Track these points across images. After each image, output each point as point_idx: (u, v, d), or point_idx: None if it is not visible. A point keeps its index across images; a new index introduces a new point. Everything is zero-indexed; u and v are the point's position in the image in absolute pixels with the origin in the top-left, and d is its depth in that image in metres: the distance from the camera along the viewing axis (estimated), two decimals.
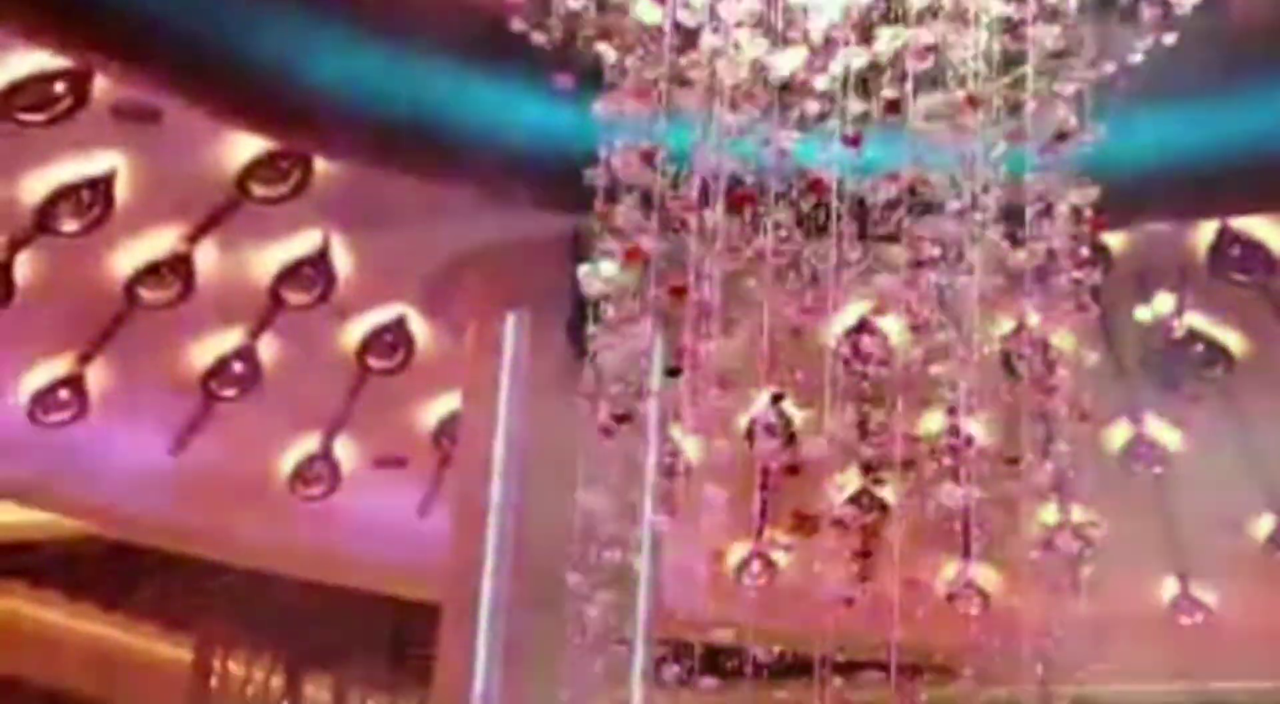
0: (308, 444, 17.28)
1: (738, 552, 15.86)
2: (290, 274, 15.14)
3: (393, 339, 15.99)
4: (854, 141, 7.97)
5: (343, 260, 15.08)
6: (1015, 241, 8.54)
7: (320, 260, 15.07)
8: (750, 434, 9.05)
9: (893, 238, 8.65)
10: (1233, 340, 15.32)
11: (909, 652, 8.72)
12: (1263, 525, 17.10)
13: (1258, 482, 16.63)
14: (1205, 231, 14.40)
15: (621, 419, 8.73)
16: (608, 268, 8.86)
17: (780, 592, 9.17)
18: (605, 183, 8.42)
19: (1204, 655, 17.22)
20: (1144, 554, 16.78)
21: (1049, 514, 8.93)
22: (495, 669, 12.98)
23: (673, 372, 8.74)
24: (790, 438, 9.41)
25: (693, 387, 8.74)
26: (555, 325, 12.97)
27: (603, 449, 8.84)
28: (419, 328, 15.84)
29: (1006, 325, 9.21)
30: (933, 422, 9.84)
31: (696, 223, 8.53)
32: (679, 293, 8.60)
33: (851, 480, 11.19)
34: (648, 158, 8.05)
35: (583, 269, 8.84)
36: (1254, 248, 14.38)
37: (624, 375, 8.86)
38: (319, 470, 17.43)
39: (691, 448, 9.49)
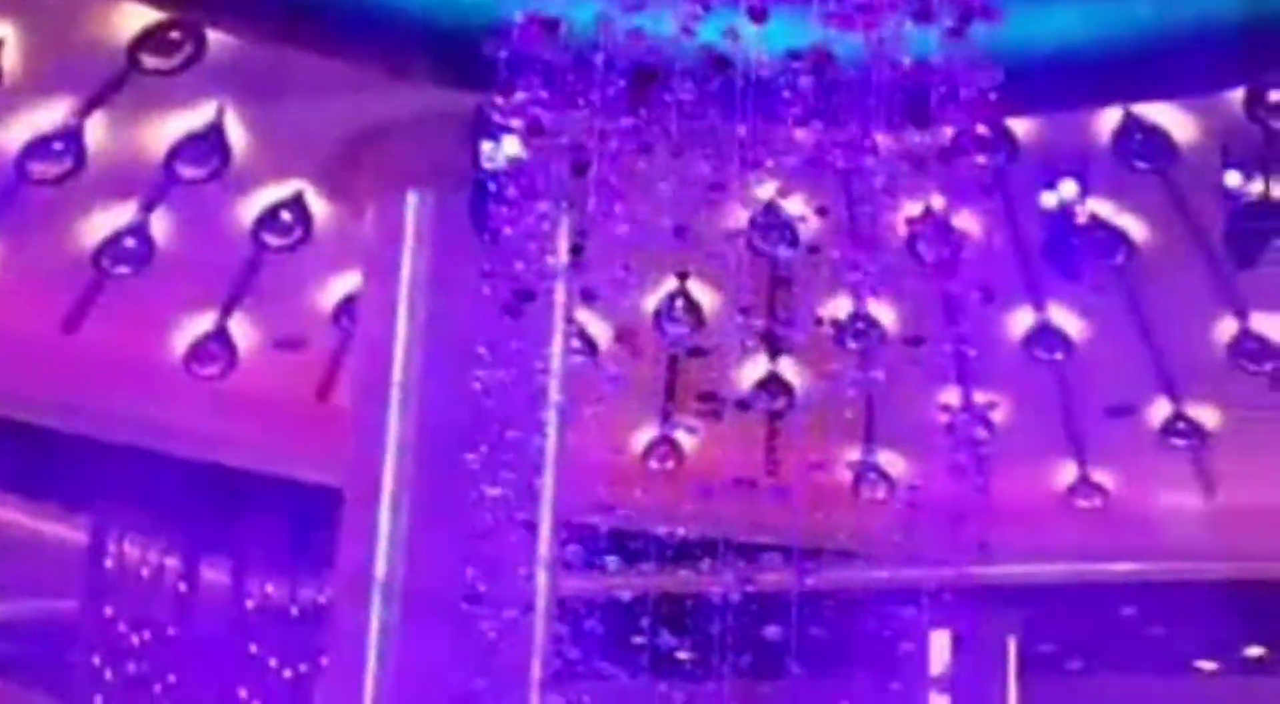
0: (203, 323, 17.04)
1: (643, 434, 15.83)
2: (184, 148, 14.82)
3: (290, 217, 15.73)
4: (759, 15, 7.85)
5: (238, 135, 14.78)
6: (920, 124, 8.49)
7: (215, 135, 14.75)
8: (657, 315, 8.98)
9: (800, 119, 8.57)
10: (1134, 227, 15.39)
11: (812, 534, 8.74)
12: (1158, 411, 17.31)
13: (1154, 369, 16.81)
14: (1109, 118, 14.40)
15: (525, 297, 8.63)
16: (510, 145, 8.73)
17: (685, 475, 9.15)
18: (507, 58, 8.26)
19: (1100, 538, 17.48)
20: (1043, 439, 16.97)
21: (950, 397, 8.94)
22: (397, 552, 12.91)
23: (577, 250, 8.64)
24: (697, 320, 9.38)
25: (597, 265, 8.64)
26: (457, 203, 12.83)
27: (505, 329, 8.74)
28: (317, 205, 15.59)
29: (911, 208, 9.17)
30: (838, 305, 9.81)
31: (600, 99, 8.41)
32: (582, 170, 8.50)
33: (758, 364, 11.19)
34: (550, 29, 7.88)
35: (485, 146, 8.71)
36: (1156, 135, 14.40)
37: (527, 254, 8.75)
38: (214, 350, 17.20)
39: (597, 328, 9.41)
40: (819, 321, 9.12)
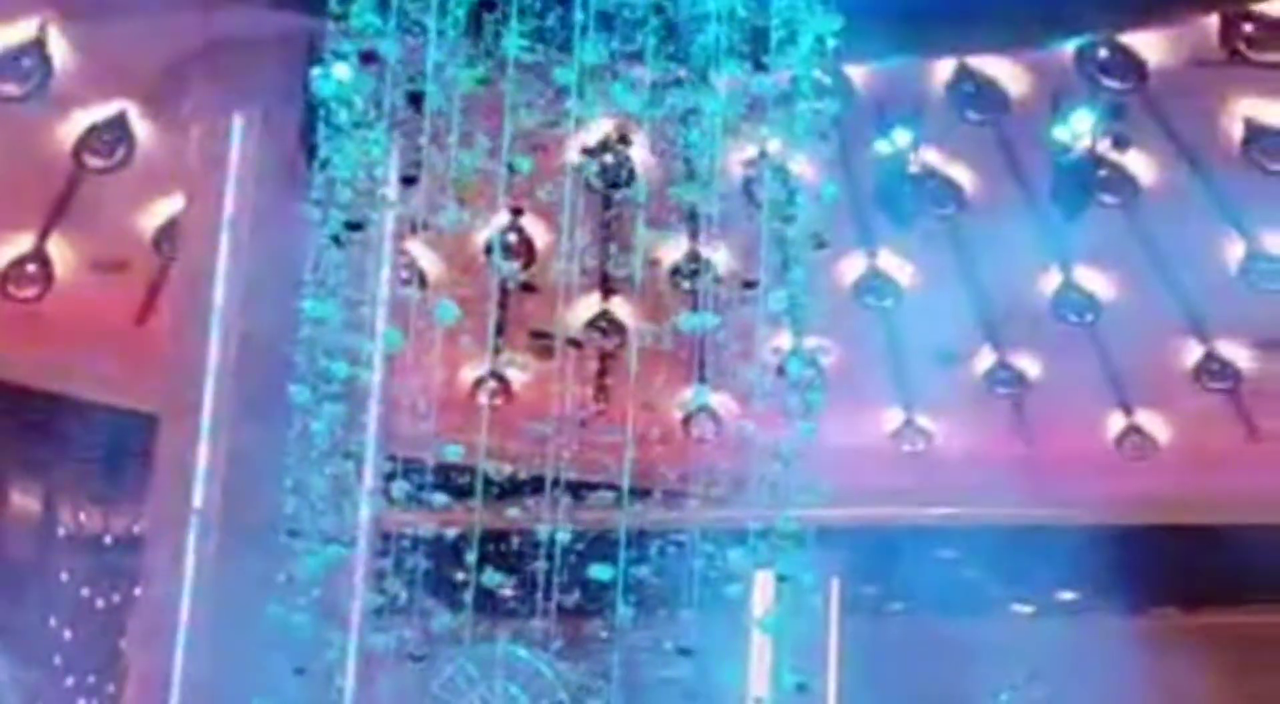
0: (20, 244, 16.61)
1: (473, 370, 15.72)
2: (4, 65, 14.36)
3: (112, 137, 15.33)
4: None
5: (61, 52, 14.35)
6: (758, 67, 8.48)
7: (36, 50, 14.31)
8: (489, 250, 8.88)
9: (639, 57, 8.52)
10: (965, 178, 15.57)
11: (641, 474, 8.73)
12: (983, 360, 17.59)
13: (980, 319, 17.08)
14: (943, 69, 14.53)
15: (353, 227, 8.48)
16: (342, 71, 8.57)
17: (515, 411, 9.09)
18: None
19: (923, 482, 17.76)
20: (872, 383, 17.17)
21: (783, 341, 8.97)
22: (215, 482, 12.70)
23: (409, 180, 8.52)
24: (530, 256, 9.29)
25: (429, 198, 8.53)
26: (285, 129, 12.57)
27: (331, 258, 8.59)
28: (140, 126, 15.22)
29: (748, 151, 9.16)
30: (673, 246, 9.79)
31: (436, 28, 8.29)
32: (417, 100, 8.38)
33: (591, 303, 11.12)
34: None
35: (316, 71, 8.56)
36: (989, 86, 14.56)
37: (356, 183, 8.60)
38: (31, 272, 16.78)
39: (427, 261, 9.27)
40: (653, 262, 9.10)
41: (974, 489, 17.12)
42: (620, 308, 14.06)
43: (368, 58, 8.39)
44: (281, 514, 8.88)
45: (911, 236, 15.49)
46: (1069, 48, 14.14)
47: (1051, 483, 17.21)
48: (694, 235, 9.73)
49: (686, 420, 9.85)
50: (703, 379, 8.94)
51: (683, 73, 8.56)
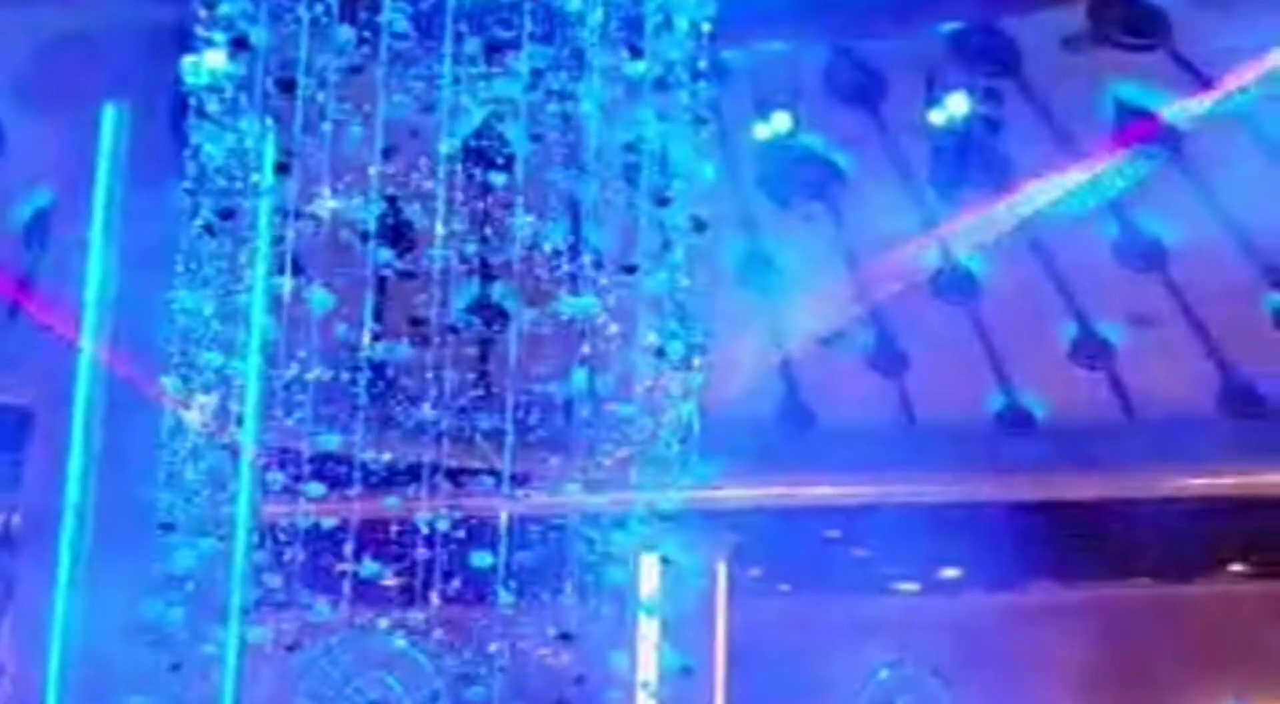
0: None
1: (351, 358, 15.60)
2: None
3: None
4: None
5: None
6: (635, 52, 8.49)
7: None
8: (365, 237, 8.80)
9: (515, 43, 8.49)
10: (843, 160, 15.67)
11: (522, 460, 8.71)
12: (861, 339, 17.71)
13: (861, 298, 17.19)
14: (821, 52, 14.61)
15: (225, 216, 8.40)
16: (213, 59, 8.48)
17: (394, 399, 9.06)
18: None
19: (807, 462, 17.83)
20: (754, 363, 17.23)
21: (664, 324, 8.98)
22: (90, 475, 12.53)
23: (283, 168, 8.44)
24: (409, 243, 9.21)
25: (304, 185, 8.45)
26: (156, 118, 12.41)
27: (204, 247, 8.50)
28: (9, 116, 14.94)
29: (626, 135, 9.15)
30: (553, 230, 9.75)
31: (308, 15, 8.23)
32: (289, 88, 8.31)
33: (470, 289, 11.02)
34: None
35: (187, 59, 8.47)
36: (866, 71, 14.67)
37: (229, 171, 8.52)
38: None
39: (303, 249, 9.17)
40: (531, 247, 9.08)
41: (856, 467, 17.25)
42: (501, 293, 14.07)
43: (239, 44, 8.30)
44: (156, 508, 8.78)
45: (792, 218, 15.59)
46: (943, 31, 14.28)
47: (932, 458, 17.36)
48: (574, 220, 9.71)
49: (568, 404, 9.84)
50: (585, 363, 8.94)
51: (561, 58, 8.55)
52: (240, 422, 8.86)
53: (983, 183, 15.16)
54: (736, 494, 15.02)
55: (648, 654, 8.77)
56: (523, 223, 8.98)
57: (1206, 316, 16.65)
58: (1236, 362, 16.98)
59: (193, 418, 8.64)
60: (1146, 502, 17.40)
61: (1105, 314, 17.28)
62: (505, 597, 8.54)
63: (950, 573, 19.68)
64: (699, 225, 8.82)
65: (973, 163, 14.58)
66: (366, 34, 8.50)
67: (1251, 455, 17.04)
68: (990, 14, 14.13)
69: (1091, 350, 17.46)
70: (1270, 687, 18.22)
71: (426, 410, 8.78)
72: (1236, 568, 19.14)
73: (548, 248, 9.33)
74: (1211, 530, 17.99)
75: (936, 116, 14.09)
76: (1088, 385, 17.71)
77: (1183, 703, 18.54)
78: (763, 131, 14.48)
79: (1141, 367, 17.39)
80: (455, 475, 8.87)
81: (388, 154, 8.55)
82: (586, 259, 9.03)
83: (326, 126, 8.42)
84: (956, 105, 14.04)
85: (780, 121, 14.45)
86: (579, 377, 9.03)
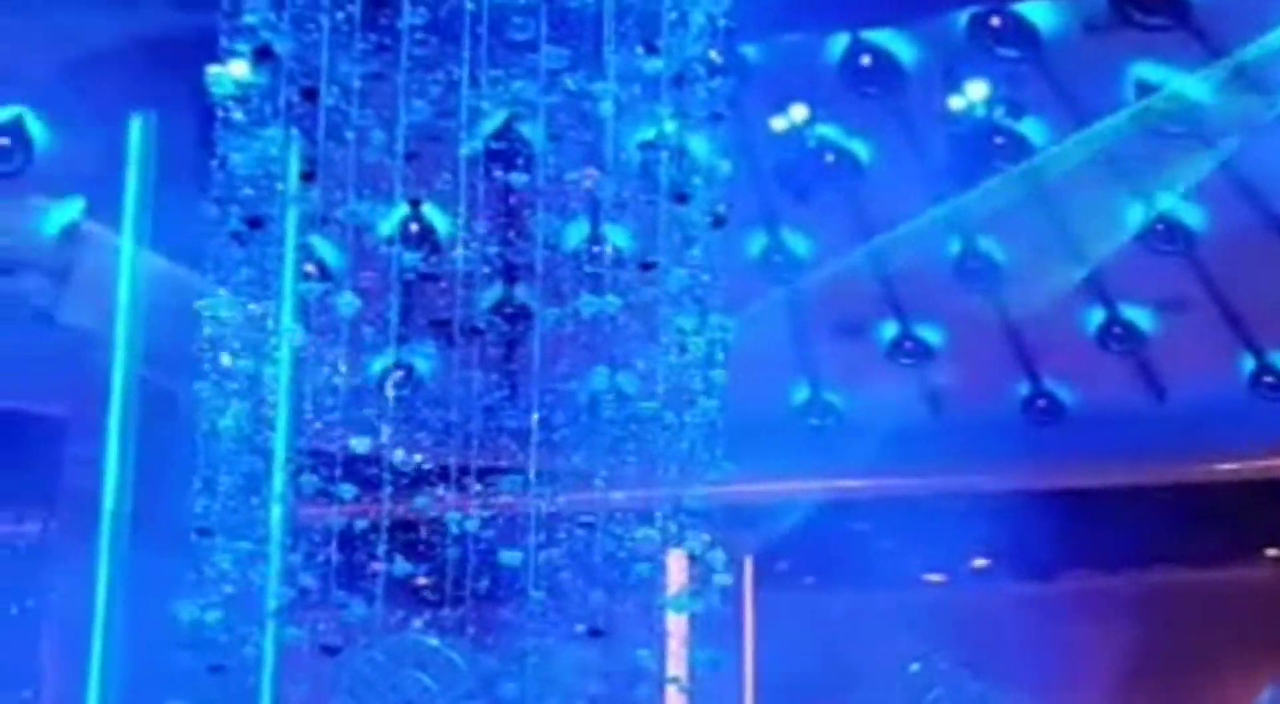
0: None
1: (378, 361, 15.70)
2: None
3: (9, 141, 15.18)
4: None
5: None
6: (652, 49, 8.54)
7: None
8: (391, 241, 8.91)
9: (532, 45, 8.57)
10: (862, 151, 15.70)
11: (548, 457, 8.79)
12: (887, 331, 17.74)
13: (882, 290, 17.23)
14: (837, 43, 14.65)
15: (254, 224, 8.50)
16: (238, 68, 8.58)
17: (422, 400, 9.14)
18: None
19: (832, 455, 17.86)
20: (777, 359, 17.29)
21: (685, 320, 9.05)
22: (125, 484, 12.67)
23: (308, 176, 8.54)
24: (432, 245, 9.33)
25: (329, 192, 8.55)
26: (183, 128, 12.53)
27: (233, 256, 8.61)
28: (37, 130, 15.07)
29: (644, 133, 9.22)
30: (574, 230, 9.85)
31: (330, 23, 8.31)
32: (312, 96, 8.40)
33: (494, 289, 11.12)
34: None
35: (212, 70, 8.56)
36: (884, 59, 14.70)
37: (256, 180, 8.62)
38: None
39: (329, 254, 9.29)
40: (553, 246, 9.17)
41: (882, 460, 17.26)
42: (525, 293, 14.15)
43: (263, 55, 8.40)
44: (191, 513, 8.90)
45: (810, 210, 15.64)
46: (962, 17, 14.30)
47: (958, 450, 17.38)
48: (594, 219, 9.80)
49: (593, 402, 9.91)
50: (608, 361, 9.02)
51: (577, 58, 8.63)
52: (273, 426, 8.98)
53: (1003, 168, 15.18)
54: (762, 489, 15.07)
55: (676, 649, 8.84)
56: (543, 221, 9.08)
57: (1236, 300, 16.64)
58: (1265, 347, 16.98)
59: (226, 424, 8.75)
60: (1179, 487, 17.39)
61: (1133, 298, 17.27)
62: (535, 594, 8.64)
63: (980, 563, 19.71)
64: (718, 221, 8.89)
65: (993, 152, 14.61)
66: (387, 41, 8.61)
67: None
68: None
69: (1120, 335, 17.45)
70: None
71: (453, 412, 8.88)
72: (1273, 553, 19.10)
73: (569, 247, 9.43)
74: (1247, 515, 17.96)
75: (956, 105, 14.12)
76: (1117, 371, 17.71)
77: (1220, 689, 18.49)
78: (780, 124, 14.53)
79: (1172, 351, 17.37)
80: (484, 475, 8.96)
81: (410, 158, 8.64)
82: (608, 253, 9.11)
83: (350, 134, 8.52)
84: (976, 91, 14.06)
85: (798, 113, 14.50)
86: (601, 375, 9.11)
